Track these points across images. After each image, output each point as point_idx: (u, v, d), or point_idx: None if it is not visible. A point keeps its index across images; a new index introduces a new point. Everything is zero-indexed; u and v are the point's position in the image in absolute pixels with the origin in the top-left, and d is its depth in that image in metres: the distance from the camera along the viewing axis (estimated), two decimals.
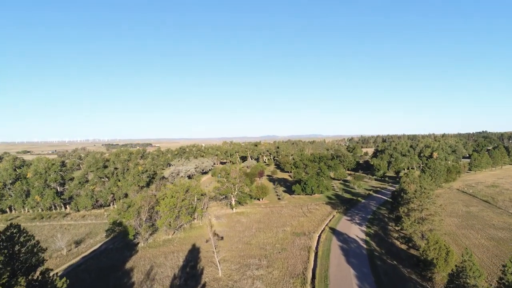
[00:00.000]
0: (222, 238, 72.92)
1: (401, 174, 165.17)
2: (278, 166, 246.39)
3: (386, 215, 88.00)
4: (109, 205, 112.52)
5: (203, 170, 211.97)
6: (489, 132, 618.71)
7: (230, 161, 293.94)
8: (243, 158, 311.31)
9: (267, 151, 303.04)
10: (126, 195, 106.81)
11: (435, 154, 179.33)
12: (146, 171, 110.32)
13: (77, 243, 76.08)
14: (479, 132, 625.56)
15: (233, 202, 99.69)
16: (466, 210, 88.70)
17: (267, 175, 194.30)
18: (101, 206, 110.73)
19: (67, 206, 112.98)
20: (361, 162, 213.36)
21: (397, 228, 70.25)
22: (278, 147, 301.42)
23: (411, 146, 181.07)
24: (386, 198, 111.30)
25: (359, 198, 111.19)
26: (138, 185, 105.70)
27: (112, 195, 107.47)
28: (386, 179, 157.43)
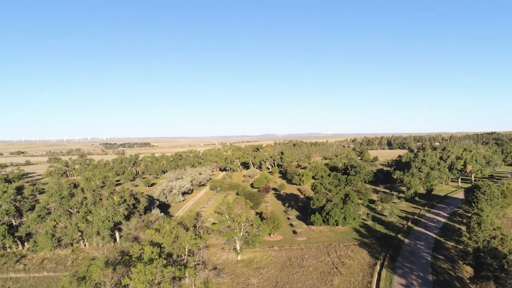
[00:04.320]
0: None
1: (434, 191, 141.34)
2: (284, 175, 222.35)
3: (453, 275, 63.48)
4: (78, 242, 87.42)
5: (200, 182, 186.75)
6: (499, 133, 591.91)
7: (231, 168, 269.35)
8: (244, 164, 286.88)
9: (271, 157, 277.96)
10: (98, 233, 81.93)
11: (468, 167, 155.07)
12: (125, 201, 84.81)
13: None
14: (489, 133, 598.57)
15: (238, 247, 74.95)
16: None
17: (273, 189, 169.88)
18: (68, 244, 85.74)
19: (26, 243, 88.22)
20: (374, 171, 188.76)
21: None
22: (282, 153, 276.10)
23: (441, 158, 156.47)
24: (434, 236, 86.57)
25: (399, 236, 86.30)
26: (114, 221, 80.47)
27: (80, 233, 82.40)
28: (416, 198, 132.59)
